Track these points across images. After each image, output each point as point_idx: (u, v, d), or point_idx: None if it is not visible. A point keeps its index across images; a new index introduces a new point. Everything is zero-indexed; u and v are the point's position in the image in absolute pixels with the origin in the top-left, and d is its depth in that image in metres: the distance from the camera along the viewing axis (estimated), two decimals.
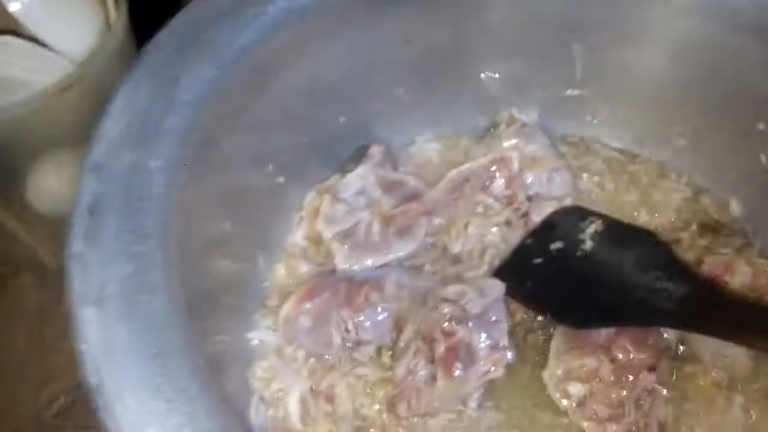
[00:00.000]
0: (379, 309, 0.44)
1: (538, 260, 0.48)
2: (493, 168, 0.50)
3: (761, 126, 0.46)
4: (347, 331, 0.44)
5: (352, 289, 0.45)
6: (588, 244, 0.48)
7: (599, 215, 0.49)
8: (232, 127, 0.39)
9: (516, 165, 0.50)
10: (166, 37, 0.37)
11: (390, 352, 0.44)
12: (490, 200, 0.49)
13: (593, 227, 0.48)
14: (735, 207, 0.50)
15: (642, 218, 0.50)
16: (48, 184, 0.49)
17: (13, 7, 0.44)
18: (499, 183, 0.50)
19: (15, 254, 0.56)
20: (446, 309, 0.43)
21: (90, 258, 0.29)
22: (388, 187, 0.49)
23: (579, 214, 0.49)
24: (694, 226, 0.49)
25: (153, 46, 0.37)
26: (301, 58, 0.42)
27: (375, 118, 0.51)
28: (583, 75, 0.51)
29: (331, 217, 0.48)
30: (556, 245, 0.48)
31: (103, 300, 0.28)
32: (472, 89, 0.52)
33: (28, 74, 0.44)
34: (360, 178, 0.49)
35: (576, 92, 0.52)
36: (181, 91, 0.35)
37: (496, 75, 0.52)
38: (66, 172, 0.50)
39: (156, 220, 0.31)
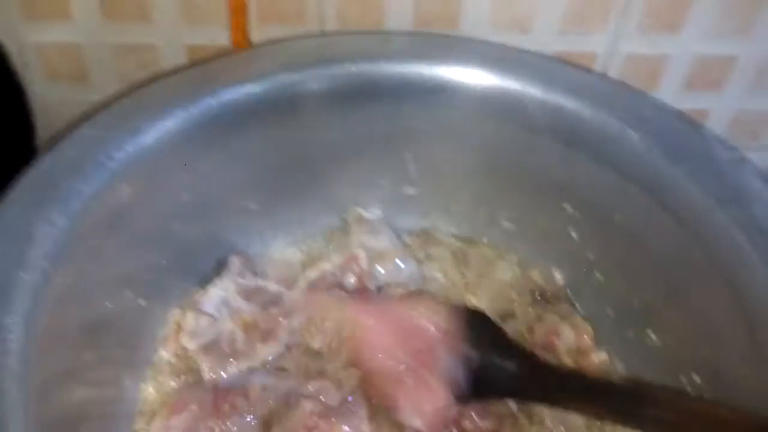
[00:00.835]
0: (246, 414, 0.47)
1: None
2: (346, 266, 0.55)
3: (567, 207, 0.54)
4: None
5: (218, 397, 0.47)
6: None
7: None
8: (88, 267, 0.42)
9: (365, 263, 0.55)
10: (15, 192, 0.40)
11: None
12: (344, 294, 0.54)
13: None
14: (558, 277, 0.57)
15: (482, 295, 0.56)
16: None
17: None
18: (351, 280, 0.54)
19: None
20: (308, 406, 0.47)
21: None
22: (249, 294, 0.53)
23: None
24: (526, 298, 0.56)
25: (2, 203, 0.39)
26: (151, 193, 0.46)
27: (231, 231, 0.55)
28: (416, 175, 0.57)
29: (195, 331, 0.51)
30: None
31: None
32: (319, 194, 0.57)
33: None
34: (220, 290, 0.52)
35: (413, 190, 0.58)
36: (34, 247, 0.37)
37: (342, 178, 0.57)
38: None
39: (14, 378, 0.33)
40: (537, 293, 0.56)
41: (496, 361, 0.48)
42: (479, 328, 0.50)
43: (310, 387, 0.48)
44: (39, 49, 0.56)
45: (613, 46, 0.57)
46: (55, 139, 0.60)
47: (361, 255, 0.55)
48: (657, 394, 0.43)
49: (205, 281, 0.53)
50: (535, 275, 0.58)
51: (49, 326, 0.38)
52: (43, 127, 0.61)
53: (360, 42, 0.53)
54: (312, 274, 0.55)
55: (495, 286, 0.57)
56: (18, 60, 0.57)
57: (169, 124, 0.46)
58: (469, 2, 0.55)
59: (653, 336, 0.51)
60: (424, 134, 0.54)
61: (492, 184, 0.56)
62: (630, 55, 0.57)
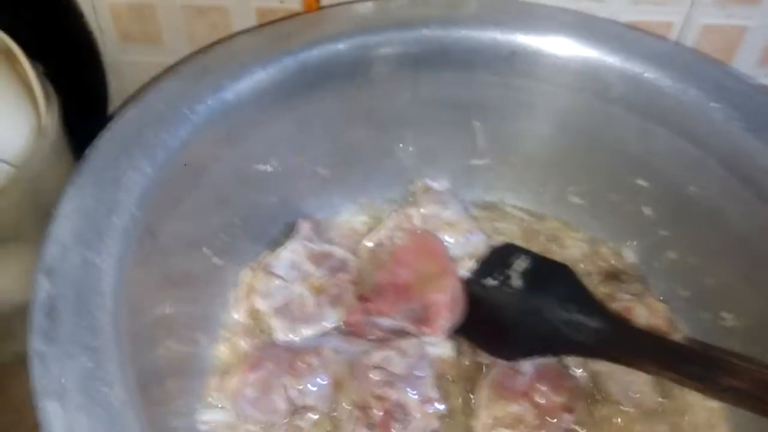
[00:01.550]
0: (320, 374, 0.47)
1: (476, 296, 0.52)
2: (398, 227, 0.55)
3: (641, 182, 0.53)
4: (290, 398, 0.47)
5: (294, 357, 0.48)
6: (516, 281, 0.52)
7: (526, 252, 0.54)
8: (170, 218, 0.42)
9: (418, 221, 0.55)
10: (105, 141, 0.40)
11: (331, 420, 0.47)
12: None
13: (521, 265, 0.53)
14: (629, 255, 0.56)
15: None
16: None
17: None
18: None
19: None
20: (375, 376, 0.47)
21: (50, 355, 0.31)
22: (318, 259, 0.53)
23: (509, 251, 0.54)
24: (597, 276, 0.55)
25: (93, 151, 0.40)
26: (230, 150, 0.46)
27: (301, 196, 0.55)
28: (485, 146, 0.57)
29: (266, 293, 0.51)
30: (490, 282, 0.53)
31: (64, 393, 0.30)
32: (388, 163, 0.57)
33: None
34: (290, 252, 0.53)
35: (481, 162, 0.58)
36: (122, 192, 0.38)
37: (410, 149, 0.57)
38: (7, 269, 0.52)
39: (107, 316, 0.33)
40: (608, 271, 0.56)
41: (579, 317, 0.48)
42: (564, 282, 0.51)
43: (376, 357, 0.48)
44: (113, 10, 0.57)
45: (689, 17, 0.55)
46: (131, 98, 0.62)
47: (413, 212, 0.55)
48: (736, 363, 0.43)
49: (275, 244, 0.53)
50: (606, 252, 0.57)
51: (136, 272, 0.38)
52: (116, 89, 0.62)
53: (432, 6, 0.52)
54: (369, 242, 0.55)
55: (565, 261, 0.56)
56: (92, 21, 0.58)
57: (248, 82, 0.46)
58: None
59: (730, 317, 0.50)
60: (495, 103, 0.54)
61: (564, 156, 0.55)
62: (706, 26, 0.56)
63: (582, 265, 0.56)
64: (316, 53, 0.48)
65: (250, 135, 0.47)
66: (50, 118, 0.50)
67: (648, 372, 0.46)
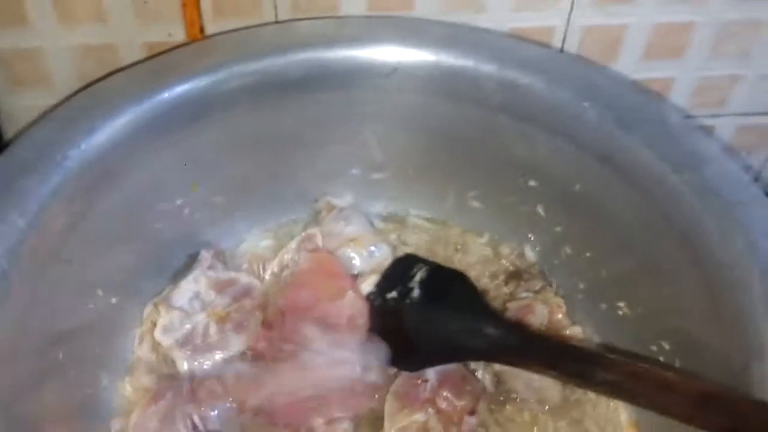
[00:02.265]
0: (222, 400, 0.48)
1: (379, 309, 0.53)
2: (301, 248, 0.56)
3: (532, 183, 0.54)
4: (195, 426, 0.47)
5: (196, 385, 0.48)
6: (416, 292, 0.53)
7: (424, 262, 0.55)
8: (51, 267, 0.42)
9: (319, 240, 0.56)
10: None
11: None
12: None
13: (419, 275, 0.54)
14: (530, 254, 0.58)
15: None
16: None
17: None
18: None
19: None
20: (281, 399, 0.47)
21: None
22: (221, 287, 0.54)
23: (408, 262, 0.55)
24: (499, 277, 0.57)
25: None
26: (114, 190, 0.47)
27: (202, 226, 0.55)
28: (382, 159, 0.57)
29: (169, 326, 0.51)
30: (391, 294, 0.54)
31: None
32: (288, 185, 0.58)
33: None
34: (191, 283, 0.53)
35: (381, 175, 0.59)
36: None
37: (309, 169, 0.58)
38: None
39: None
40: (511, 271, 0.57)
41: (477, 324, 0.49)
42: (461, 291, 0.53)
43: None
44: (1, 55, 0.57)
45: (570, 20, 0.57)
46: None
47: (315, 232, 0.56)
48: (608, 357, 0.45)
49: (177, 277, 0.54)
50: (508, 253, 0.58)
51: (13, 331, 0.38)
52: (12, 134, 0.61)
53: (312, 28, 0.53)
54: (274, 266, 0.56)
55: (468, 267, 0.57)
56: None
57: (123, 120, 0.46)
58: None
59: (624, 307, 0.52)
60: (383, 118, 0.55)
61: (456, 164, 0.56)
62: (588, 27, 0.57)
63: (487, 269, 0.57)
64: (193, 85, 0.48)
65: (133, 173, 0.48)
66: None
67: (536, 372, 0.48)
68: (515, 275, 0.57)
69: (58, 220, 0.43)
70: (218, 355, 0.51)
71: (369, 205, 0.60)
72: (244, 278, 0.55)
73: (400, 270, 0.55)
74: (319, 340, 0.51)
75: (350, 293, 0.53)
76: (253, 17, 0.54)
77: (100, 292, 0.49)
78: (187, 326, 0.51)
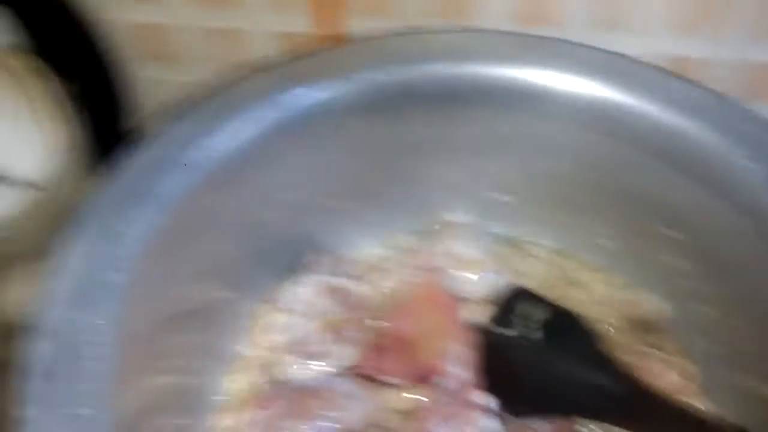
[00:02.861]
0: (328, 420, 0.46)
1: (489, 345, 0.50)
2: (419, 267, 0.54)
3: (675, 234, 0.50)
4: None
5: (303, 397, 0.47)
6: (532, 333, 0.50)
7: (543, 300, 0.52)
8: (174, 265, 0.42)
9: (433, 258, 0.54)
10: (104, 192, 0.40)
11: None
12: None
13: (537, 314, 0.50)
14: (660, 307, 0.53)
15: None
16: (17, 296, 0.52)
17: None
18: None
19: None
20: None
21: (41, 422, 0.31)
22: (333, 294, 0.52)
23: (525, 297, 0.52)
24: (622, 325, 0.53)
25: (92, 203, 0.39)
26: (239, 192, 0.46)
27: (319, 229, 0.54)
28: (510, 182, 0.55)
29: (279, 328, 0.50)
30: (508, 332, 0.50)
31: None
32: (409, 197, 0.56)
33: None
34: (305, 287, 0.52)
35: (507, 198, 0.56)
36: (120, 246, 0.37)
37: (434, 182, 0.55)
38: (24, 284, 0.53)
39: (104, 382, 0.33)
40: (630, 319, 0.53)
41: (599, 378, 0.46)
42: (584, 338, 0.49)
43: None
44: (132, 30, 0.57)
45: (735, 50, 0.52)
46: (145, 123, 0.62)
47: (431, 251, 0.54)
48: None
49: (291, 278, 0.53)
50: (631, 300, 0.54)
51: (136, 322, 0.38)
52: (136, 106, 0.62)
53: (449, 41, 0.50)
54: (387, 278, 0.54)
55: (588, 308, 0.54)
56: (116, 40, 0.57)
57: (253, 125, 0.45)
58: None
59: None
60: (518, 141, 0.52)
61: (591, 198, 0.53)
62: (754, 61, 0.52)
63: (603, 312, 0.54)
64: (325, 92, 0.47)
65: (258, 173, 0.46)
66: (75, 138, 0.50)
67: None
68: (635, 325, 0.53)
69: (188, 219, 0.42)
70: (326, 366, 0.49)
71: (488, 226, 0.57)
72: (355, 287, 0.53)
73: (513, 305, 0.52)
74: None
75: (458, 331, 0.50)
76: (387, 18, 0.53)
77: (214, 285, 0.48)
78: (297, 330, 0.50)
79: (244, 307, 0.52)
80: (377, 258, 0.56)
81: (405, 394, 0.48)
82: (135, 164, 0.41)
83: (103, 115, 0.59)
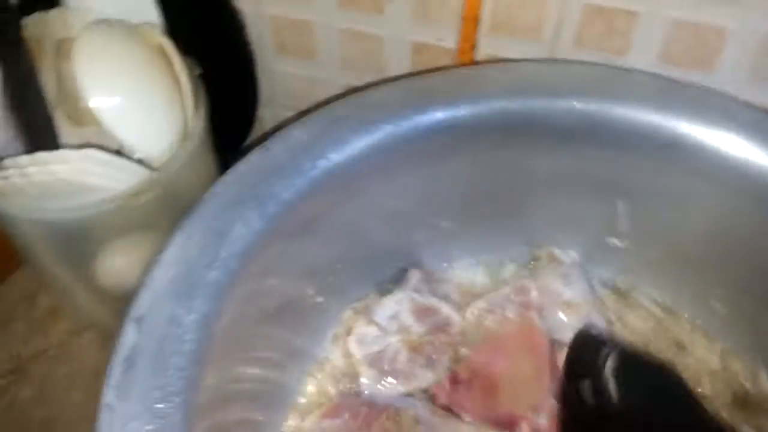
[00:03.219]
0: None
1: (571, 401, 0.47)
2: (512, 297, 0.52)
3: None
4: None
5: (372, 415, 0.47)
6: (611, 383, 0.46)
7: (650, 362, 0.49)
8: (272, 267, 0.42)
9: (533, 295, 0.52)
10: (222, 187, 0.41)
11: None
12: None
13: (610, 362, 0.47)
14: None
15: None
16: (116, 266, 0.54)
17: (95, 103, 0.48)
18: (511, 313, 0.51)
19: (83, 317, 0.61)
20: None
21: (118, 410, 0.33)
22: (421, 314, 0.52)
23: (594, 344, 0.49)
24: (724, 395, 0.49)
25: (209, 196, 0.40)
26: (347, 203, 0.45)
27: (418, 244, 0.54)
28: (625, 229, 0.52)
29: (363, 339, 0.50)
30: (583, 385, 0.47)
31: None
32: (516, 223, 0.54)
33: (106, 180, 0.48)
34: (395, 302, 0.52)
35: (618, 243, 0.53)
36: (225, 246, 0.38)
37: (542, 214, 0.53)
38: (134, 256, 0.55)
39: (182, 378, 0.34)
40: (738, 395, 0.49)
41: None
42: (669, 388, 0.46)
43: None
44: (273, 22, 0.57)
45: None
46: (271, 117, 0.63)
47: (533, 286, 0.52)
48: None
49: (382, 287, 0.53)
50: (740, 372, 0.50)
51: (225, 320, 0.38)
52: (266, 97, 0.63)
53: (590, 75, 0.48)
54: (479, 305, 0.53)
55: (690, 372, 0.50)
56: (253, 30, 0.58)
57: (376, 138, 0.44)
58: (731, 45, 0.47)
59: None
60: (645, 188, 0.48)
61: (712, 256, 0.49)
62: None
63: (709, 383, 0.50)
64: (453, 114, 0.45)
65: (370, 190, 0.46)
66: (197, 122, 0.52)
67: None
68: (742, 402, 0.49)
69: (291, 225, 0.42)
70: (401, 386, 0.49)
71: (595, 268, 0.54)
72: (445, 309, 0.52)
73: (585, 353, 0.48)
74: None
75: (547, 385, 0.47)
76: (530, 40, 0.50)
77: (309, 290, 0.49)
78: (380, 345, 0.50)
79: (334, 313, 0.52)
80: (474, 284, 0.55)
81: None
82: (249, 165, 0.42)
83: (232, 104, 0.60)
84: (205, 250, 0.38)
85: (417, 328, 0.51)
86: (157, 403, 0.33)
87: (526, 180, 0.51)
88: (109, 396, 0.33)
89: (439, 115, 0.45)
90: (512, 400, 0.47)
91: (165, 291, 0.36)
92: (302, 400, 0.49)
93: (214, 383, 0.37)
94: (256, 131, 0.67)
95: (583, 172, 0.49)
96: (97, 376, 0.58)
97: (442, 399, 0.48)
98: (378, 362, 0.50)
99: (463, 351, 0.51)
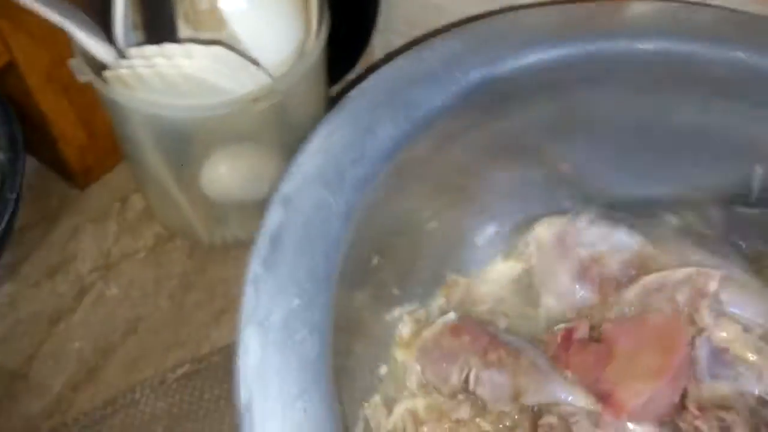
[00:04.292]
0: (504, 373, 0.45)
1: None
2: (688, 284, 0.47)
3: None
4: (467, 380, 0.45)
5: (490, 344, 0.46)
6: None
7: None
8: (402, 179, 0.41)
9: (714, 285, 0.47)
10: (372, 85, 0.40)
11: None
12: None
13: None
14: None
15: None
16: (220, 173, 0.54)
17: (225, 5, 0.48)
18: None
19: (174, 223, 0.61)
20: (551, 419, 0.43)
21: (264, 284, 0.32)
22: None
23: None
24: None
25: (358, 93, 0.39)
26: (491, 121, 0.44)
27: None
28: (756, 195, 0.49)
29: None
30: None
31: (266, 326, 0.31)
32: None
33: (228, 81, 0.47)
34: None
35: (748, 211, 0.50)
36: (370, 145, 0.37)
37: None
38: (238, 165, 0.54)
39: (327, 261, 0.33)
40: None
41: None
42: None
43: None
44: None
45: None
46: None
47: (714, 274, 0.47)
48: None
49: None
50: None
51: (366, 215, 0.38)
52: (383, 22, 0.61)
53: (749, 26, 0.45)
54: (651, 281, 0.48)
55: None
56: None
57: (526, 61, 0.42)
58: None
59: None
60: None
61: None
62: None
63: None
64: (608, 46, 0.43)
65: (510, 113, 0.44)
66: (318, 39, 0.51)
67: None
68: None
69: (434, 135, 0.41)
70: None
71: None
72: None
73: None
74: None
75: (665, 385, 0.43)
76: None
77: (441, 203, 0.48)
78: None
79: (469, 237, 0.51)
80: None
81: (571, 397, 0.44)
82: (401, 67, 0.41)
83: (349, 25, 0.59)
84: (353, 144, 0.37)
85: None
86: (304, 282, 0.32)
87: (665, 130, 0.48)
88: (255, 269, 0.32)
89: (593, 45, 0.43)
90: (619, 377, 0.44)
91: (311, 177, 0.35)
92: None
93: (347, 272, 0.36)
94: (362, 62, 0.65)
95: (730, 130, 0.46)
96: (183, 283, 0.59)
97: (550, 351, 0.47)
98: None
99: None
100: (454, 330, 0.46)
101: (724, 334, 0.45)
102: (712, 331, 0.45)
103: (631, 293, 0.48)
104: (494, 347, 0.45)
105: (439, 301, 0.50)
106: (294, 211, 0.34)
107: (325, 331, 0.32)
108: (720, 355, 0.45)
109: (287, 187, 0.35)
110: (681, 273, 0.47)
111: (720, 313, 0.46)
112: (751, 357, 0.45)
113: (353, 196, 0.35)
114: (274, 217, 0.34)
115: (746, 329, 0.46)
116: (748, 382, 0.44)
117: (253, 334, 0.31)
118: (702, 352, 0.44)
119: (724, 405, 0.42)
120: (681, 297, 0.46)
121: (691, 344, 0.44)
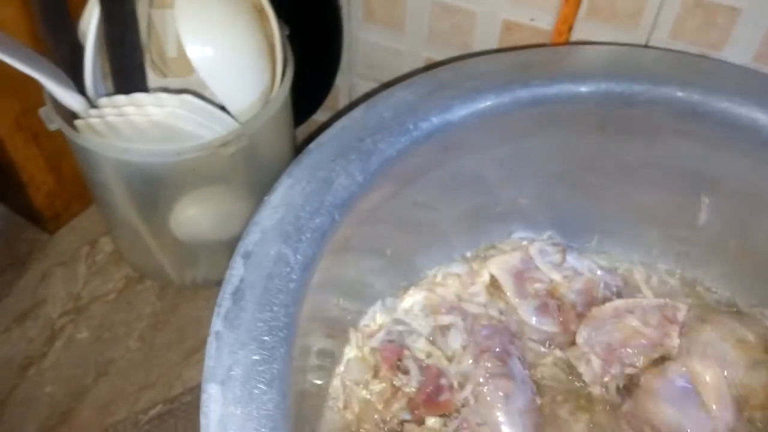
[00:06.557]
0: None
1: None
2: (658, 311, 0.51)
3: None
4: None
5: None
6: None
7: None
8: (365, 223, 0.43)
9: (682, 315, 0.51)
10: (328, 139, 0.41)
11: None
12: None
13: None
14: None
15: None
16: (189, 216, 0.55)
17: (192, 53, 0.48)
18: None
19: (144, 265, 0.62)
20: None
21: (226, 339, 0.33)
22: None
23: None
24: None
25: (315, 146, 0.41)
26: (440, 166, 0.46)
27: (504, 221, 0.54)
28: (703, 224, 0.52)
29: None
30: None
31: (227, 380, 0.32)
32: (585, 208, 0.54)
33: (197, 127, 0.48)
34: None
35: (690, 237, 0.53)
36: (330, 195, 0.39)
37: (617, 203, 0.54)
38: (207, 208, 0.55)
39: (287, 315, 0.34)
40: None
41: None
42: None
43: None
44: None
45: None
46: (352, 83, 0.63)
47: (682, 307, 0.52)
48: None
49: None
50: None
51: (327, 263, 0.39)
52: (346, 63, 0.63)
53: (687, 66, 0.48)
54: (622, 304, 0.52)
55: None
56: None
57: (476, 107, 0.44)
58: None
59: None
60: (734, 185, 0.48)
61: None
62: None
63: None
64: (553, 92, 0.46)
65: (464, 156, 0.47)
66: (283, 83, 0.52)
67: None
68: None
69: (388, 184, 0.43)
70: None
71: (664, 260, 0.54)
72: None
73: None
74: None
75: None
76: (626, 27, 0.50)
77: (388, 252, 0.50)
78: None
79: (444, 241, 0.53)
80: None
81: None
82: (356, 119, 0.43)
83: (313, 68, 0.60)
84: (311, 198, 0.38)
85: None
86: (263, 335, 0.33)
87: (613, 167, 0.51)
88: (217, 325, 0.33)
89: (538, 91, 0.45)
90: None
91: (273, 231, 0.37)
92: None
93: (308, 315, 0.38)
94: (328, 101, 0.67)
95: (675, 164, 0.49)
96: (153, 324, 0.60)
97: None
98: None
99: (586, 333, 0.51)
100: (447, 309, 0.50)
101: None
102: None
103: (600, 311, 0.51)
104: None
105: None
106: (254, 265, 0.35)
107: (285, 381, 0.33)
108: None
109: (248, 242, 0.36)
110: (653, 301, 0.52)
111: None
112: None
113: (311, 249, 0.37)
114: (235, 272, 0.35)
115: None
116: None
117: (214, 390, 0.32)
118: None
119: None
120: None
121: None
